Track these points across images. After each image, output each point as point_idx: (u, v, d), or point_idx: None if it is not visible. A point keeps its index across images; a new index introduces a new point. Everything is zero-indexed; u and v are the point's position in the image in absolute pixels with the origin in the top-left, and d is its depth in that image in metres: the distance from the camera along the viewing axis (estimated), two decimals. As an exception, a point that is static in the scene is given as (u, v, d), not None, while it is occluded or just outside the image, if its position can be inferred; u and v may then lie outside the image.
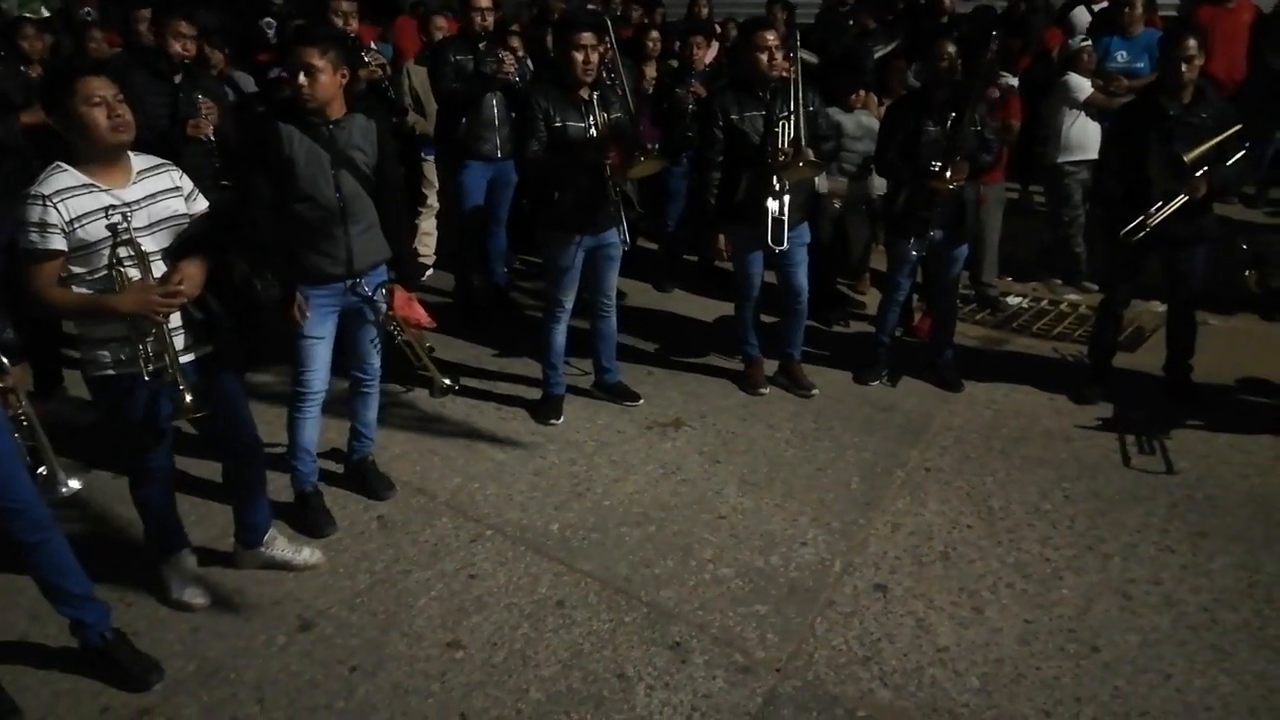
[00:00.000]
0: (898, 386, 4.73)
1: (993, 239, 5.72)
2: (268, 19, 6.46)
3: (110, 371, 2.71)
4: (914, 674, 2.82)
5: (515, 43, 5.90)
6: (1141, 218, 4.02)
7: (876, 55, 6.08)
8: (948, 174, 4.11)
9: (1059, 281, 6.05)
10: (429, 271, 6.27)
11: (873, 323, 4.89)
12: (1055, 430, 4.28)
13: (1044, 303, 5.87)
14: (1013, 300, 5.87)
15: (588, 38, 3.88)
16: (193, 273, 2.66)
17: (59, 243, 2.52)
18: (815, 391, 4.65)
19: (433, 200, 6.23)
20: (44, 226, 2.50)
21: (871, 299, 5.84)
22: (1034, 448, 4.13)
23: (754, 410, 4.54)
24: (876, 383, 4.72)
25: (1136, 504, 3.69)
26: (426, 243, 6.28)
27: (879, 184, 5.66)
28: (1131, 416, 4.36)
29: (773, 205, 4.17)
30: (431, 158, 6.08)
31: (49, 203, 2.51)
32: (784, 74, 4.23)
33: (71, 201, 2.54)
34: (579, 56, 3.88)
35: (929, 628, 3.01)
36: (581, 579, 3.27)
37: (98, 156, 2.60)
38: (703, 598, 3.18)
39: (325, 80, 3.08)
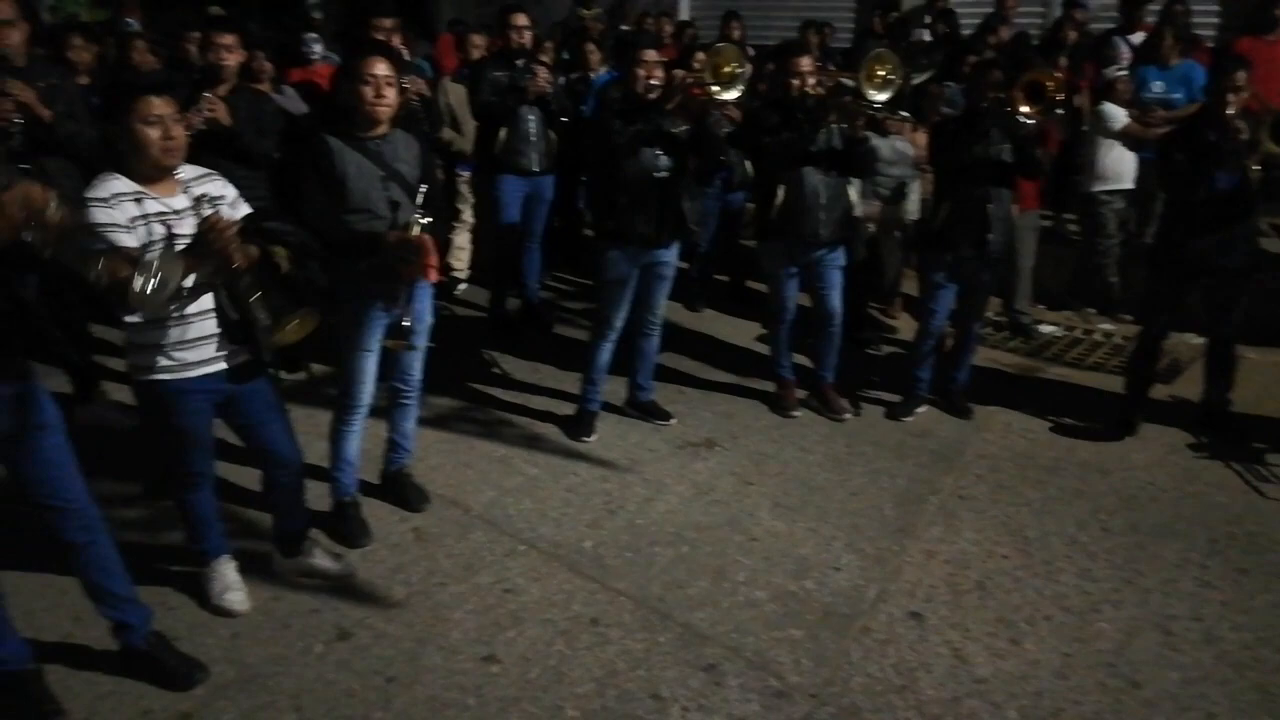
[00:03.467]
0: (930, 413, 4.70)
1: (1026, 266, 5.71)
2: (312, 34, 6.54)
3: (157, 376, 2.74)
4: (951, 705, 2.80)
5: (547, 59, 5.98)
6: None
7: (914, 82, 6.10)
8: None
9: (1093, 311, 6.03)
10: (462, 286, 6.32)
11: (905, 348, 4.88)
12: (1091, 461, 4.25)
13: (1077, 332, 5.84)
14: (1046, 329, 5.84)
15: (650, 55, 3.96)
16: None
17: (128, 239, 2.56)
18: (848, 415, 4.64)
19: (467, 215, 6.29)
20: (110, 226, 2.54)
21: (903, 324, 5.85)
22: (1070, 478, 4.10)
23: (786, 432, 4.53)
24: (909, 418, 4.68)
25: (1175, 538, 3.65)
26: (460, 257, 6.33)
27: (913, 208, 5.68)
28: (1170, 449, 4.32)
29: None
30: (467, 173, 6.14)
31: (108, 204, 2.56)
32: (817, 95, 4.25)
33: (123, 206, 2.59)
34: (641, 73, 3.94)
35: (966, 658, 2.99)
36: (615, 597, 3.28)
37: (145, 171, 2.65)
38: (736, 620, 3.17)
39: (394, 96, 3.14)
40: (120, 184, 2.61)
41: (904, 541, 3.63)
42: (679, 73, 4.04)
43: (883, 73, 3.89)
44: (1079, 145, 6.01)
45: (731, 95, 3.84)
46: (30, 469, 2.50)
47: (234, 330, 2.79)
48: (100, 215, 2.53)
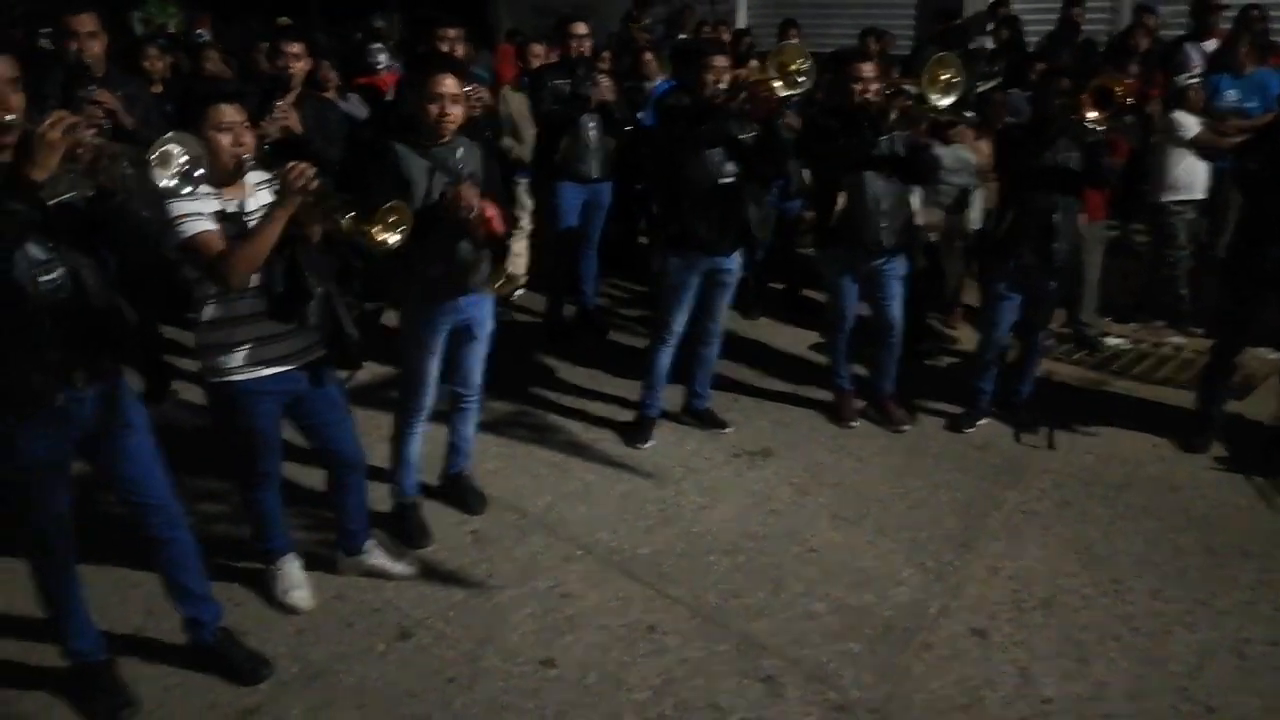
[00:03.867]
0: (991, 425, 4.62)
1: (1092, 277, 5.57)
2: (377, 44, 6.67)
3: (229, 378, 2.80)
4: (1017, 724, 2.74)
5: (606, 67, 6.02)
6: None
7: (978, 90, 6.02)
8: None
9: (1161, 324, 5.87)
10: (519, 291, 6.37)
11: (965, 359, 4.80)
12: (1161, 478, 4.14)
13: (1145, 345, 5.69)
14: (1112, 341, 5.70)
15: (719, 60, 3.95)
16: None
17: (208, 223, 2.63)
18: (907, 427, 4.57)
19: (525, 222, 6.33)
20: (191, 214, 2.61)
21: (964, 335, 5.75)
22: (1139, 495, 3.99)
23: (843, 443, 4.48)
24: (971, 430, 4.60)
25: (1250, 559, 3.53)
26: (517, 264, 6.37)
27: (975, 216, 5.60)
28: (1244, 467, 4.19)
29: None
30: (525, 181, 6.20)
31: (189, 197, 2.63)
32: (879, 101, 4.20)
33: (204, 200, 2.66)
34: (710, 78, 3.93)
35: (1032, 678, 2.93)
36: (672, 605, 3.27)
37: (217, 176, 2.70)
38: (795, 632, 3.14)
39: (459, 112, 3.20)
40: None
41: (966, 556, 3.56)
42: (743, 71, 4.01)
43: (945, 76, 3.83)
44: (1148, 154, 5.87)
45: (795, 92, 3.80)
46: (117, 467, 2.58)
47: (309, 332, 2.83)
48: (182, 204, 2.60)
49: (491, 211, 3.25)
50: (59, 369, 2.32)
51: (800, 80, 3.79)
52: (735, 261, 4.24)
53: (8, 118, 2.15)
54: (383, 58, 6.45)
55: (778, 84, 3.79)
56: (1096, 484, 4.10)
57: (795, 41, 3.87)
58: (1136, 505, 3.92)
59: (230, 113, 2.68)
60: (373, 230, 2.70)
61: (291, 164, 2.63)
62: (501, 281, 3.19)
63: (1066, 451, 4.39)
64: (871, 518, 3.83)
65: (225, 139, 2.66)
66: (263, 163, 2.76)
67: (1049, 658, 3.01)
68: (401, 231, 2.75)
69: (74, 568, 2.61)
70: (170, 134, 2.25)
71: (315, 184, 2.61)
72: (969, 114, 4.20)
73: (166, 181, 2.22)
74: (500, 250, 3.68)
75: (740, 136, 4.01)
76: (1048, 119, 4.19)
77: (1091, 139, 4.10)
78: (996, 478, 4.15)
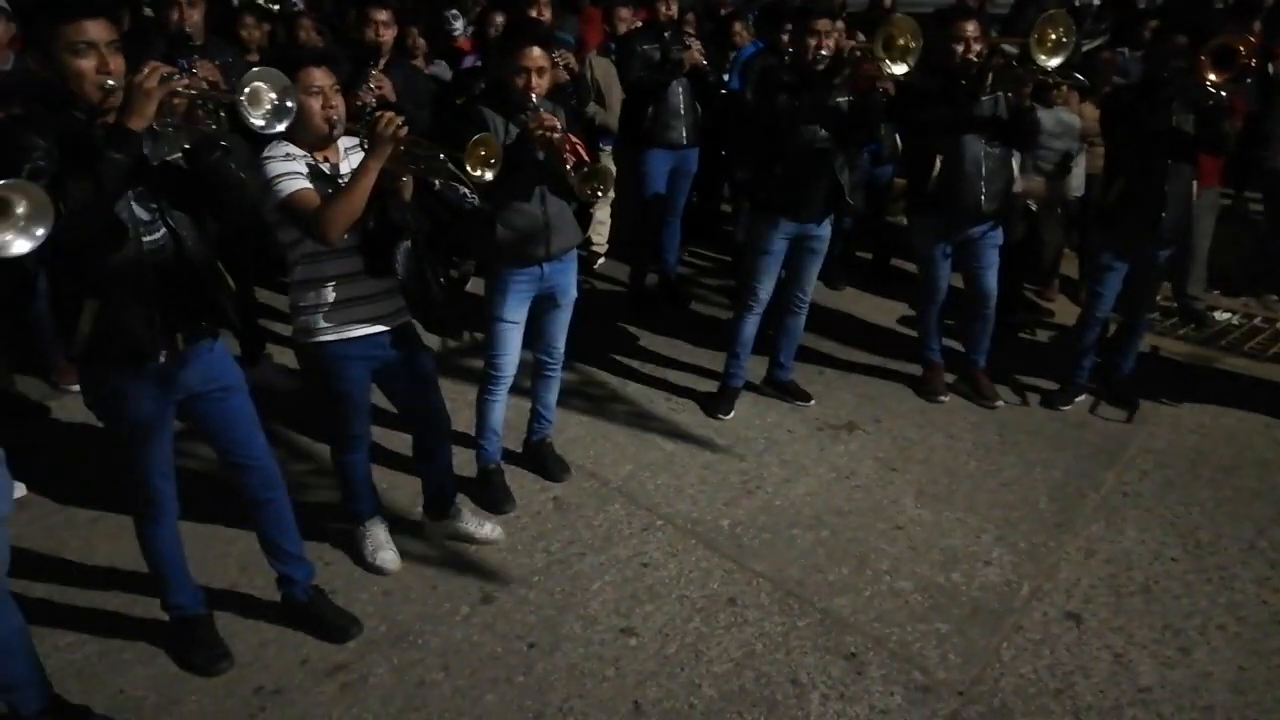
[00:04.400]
0: (1089, 402, 4.43)
1: (1202, 247, 5.28)
2: (453, 10, 6.69)
3: (320, 339, 2.86)
4: (1112, 713, 2.64)
5: (692, 30, 5.90)
6: None
7: (1083, 49, 5.72)
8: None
9: (1275, 297, 5.54)
10: (602, 260, 6.36)
11: (1061, 332, 4.61)
12: (1273, 460, 3.92)
13: (1257, 320, 5.38)
14: (1221, 316, 5.41)
15: (823, 24, 3.83)
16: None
17: (304, 181, 2.67)
18: (1000, 402, 4.42)
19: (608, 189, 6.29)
20: (288, 173, 2.67)
21: (1060, 307, 5.53)
22: (1248, 478, 3.79)
23: (932, 418, 4.36)
24: (1068, 407, 4.42)
25: (1371, 550, 3.33)
26: (600, 231, 6.36)
27: (1076, 184, 5.35)
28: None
29: None
30: (609, 148, 6.15)
31: (285, 158, 2.70)
32: (982, 62, 4.02)
33: (298, 162, 2.72)
34: (813, 42, 3.82)
35: (1129, 665, 2.81)
36: (753, 578, 3.23)
37: (310, 140, 2.75)
38: (879, 609, 3.08)
39: (546, 80, 3.20)
40: (290, 148, 2.73)
41: (1061, 537, 3.44)
42: (848, 43, 3.87)
43: (1055, 36, 3.63)
44: (1266, 117, 5.50)
45: (901, 70, 3.63)
46: (218, 428, 2.66)
47: (396, 295, 2.87)
48: (279, 165, 2.66)
49: (575, 138, 3.20)
50: (161, 328, 2.39)
51: (909, 56, 3.60)
52: (826, 229, 4.14)
53: (109, 82, 2.19)
54: (458, 24, 6.49)
55: (884, 62, 3.61)
56: (1202, 465, 3.91)
57: (906, 15, 3.64)
58: (1245, 488, 3.72)
59: (320, 76, 2.71)
60: (467, 164, 2.69)
61: (379, 113, 2.65)
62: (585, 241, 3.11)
63: (1170, 430, 4.19)
64: (961, 495, 3.73)
65: (316, 102, 2.70)
66: (359, 128, 2.78)
67: (1147, 645, 2.89)
68: (493, 166, 2.73)
69: (175, 525, 2.71)
70: (254, 70, 2.24)
71: (404, 131, 2.62)
72: (1078, 76, 3.96)
73: (259, 120, 2.22)
74: (585, 206, 3.62)
75: (837, 102, 3.89)
76: (1161, 81, 3.95)
77: (1209, 103, 3.85)
78: (1094, 457, 3.98)
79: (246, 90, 2.20)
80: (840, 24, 4.11)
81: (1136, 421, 4.26)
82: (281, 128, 2.28)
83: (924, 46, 3.57)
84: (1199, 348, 5.10)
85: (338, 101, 2.75)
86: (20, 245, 1.87)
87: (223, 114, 2.24)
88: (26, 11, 2.50)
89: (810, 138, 3.90)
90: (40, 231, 1.88)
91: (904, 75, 3.57)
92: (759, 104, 3.96)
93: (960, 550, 3.37)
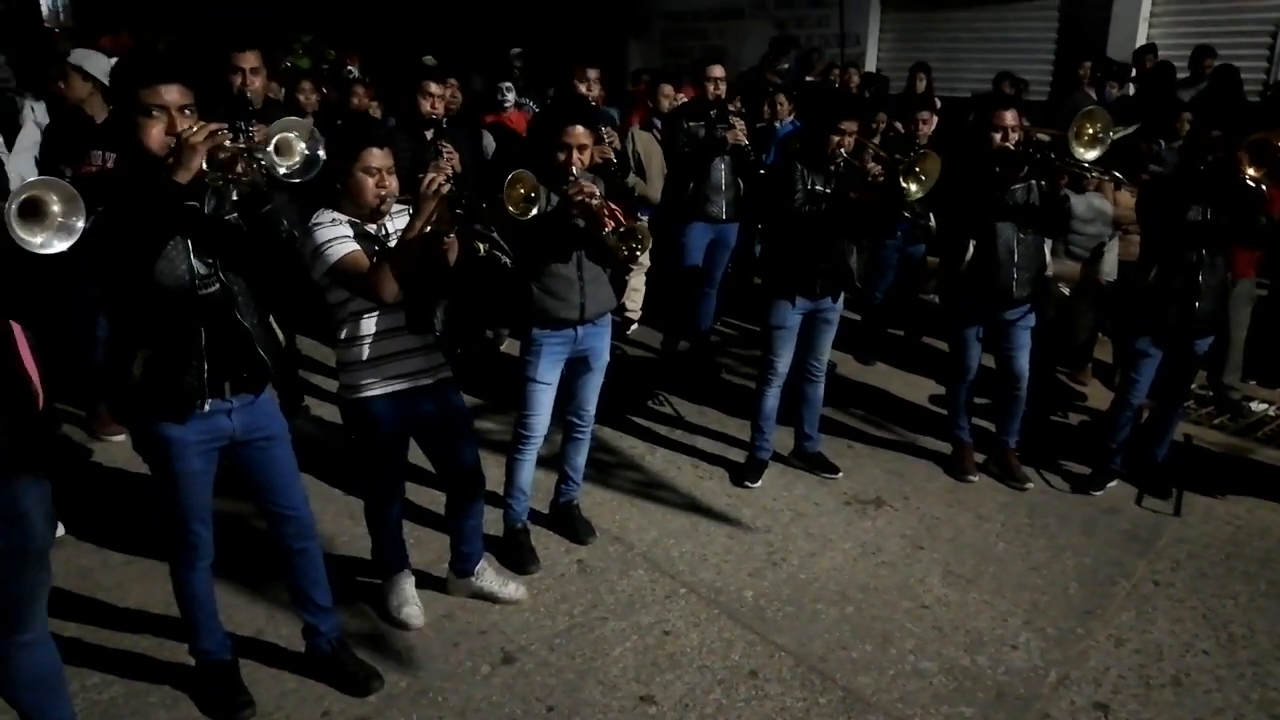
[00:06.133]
0: (1121, 488, 4.39)
1: (1238, 337, 5.26)
2: (507, 83, 6.94)
3: (367, 394, 2.93)
4: (1140, 809, 2.58)
5: (739, 109, 6.09)
6: None
7: (1114, 137, 5.78)
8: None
9: (1314, 390, 5.48)
10: (635, 326, 6.45)
11: (1094, 416, 4.58)
12: (1310, 556, 3.85)
13: (1295, 412, 5.32)
14: (1258, 406, 5.36)
15: (849, 125, 3.96)
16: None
17: (353, 244, 2.77)
18: (1030, 485, 4.39)
19: (644, 259, 6.41)
20: (337, 238, 2.77)
21: (1092, 391, 5.51)
22: (1284, 573, 3.72)
23: (961, 497, 4.34)
24: (1099, 493, 4.38)
25: None
26: (634, 298, 6.46)
27: (1109, 269, 5.37)
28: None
29: None
30: (645, 218, 6.28)
31: (332, 224, 2.81)
32: (1020, 151, 4.10)
33: (344, 226, 2.82)
34: (835, 140, 3.95)
35: (1158, 759, 2.75)
36: (775, 651, 3.21)
37: (358, 212, 2.87)
38: (902, 690, 3.04)
39: (588, 157, 3.36)
40: (335, 215, 2.85)
41: (1090, 624, 3.39)
42: (871, 148, 3.99)
43: (1092, 130, 3.72)
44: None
45: (921, 193, 3.73)
46: (259, 475, 2.72)
47: (433, 351, 2.95)
48: (327, 231, 2.78)
49: (613, 205, 3.30)
50: (209, 378, 2.48)
51: (926, 182, 3.71)
52: (839, 303, 4.23)
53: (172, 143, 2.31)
54: (510, 96, 6.72)
55: (907, 184, 3.72)
56: (1236, 557, 3.84)
57: (1101, 108, 3.75)
58: (1281, 584, 3.66)
59: (380, 157, 2.83)
60: (509, 207, 2.76)
61: (421, 174, 2.76)
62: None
63: (1204, 521, 4.13)
64: (988, 577, 3.69)
65: (370, 181, 2.82)
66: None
67: (1178, 741, 2.83)
68: (534, 200, 2.79)
69: (209, 571, 2.75)
70: (277, 123, 2.32)
71: (447, 188, 2.71)
72: (1118, 175, 4.04)
73: (289, 168, 2.30)
74: (621, 272, 3.70)
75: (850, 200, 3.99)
76: (1198, 173, 4.00)
77: (1247, 197, 3.88)
78: (1126, 544, 3.93)
79: (274, 140, 2.28)
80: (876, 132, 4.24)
81: (1159, 509, 4.20)
82: (312, 175, 2.35)
83: (938, 179, 3.69)
84: (1234, 438, 5.04)
85: (391, 182, 2.86)
86: (62, 242, 1.91)
87: (266, 172, 2.34)
88: (114, 74, 2.67)
89: (822, 227, 4.01)
90: (78, 222, 1.91)
91: (913, 196, 3.69)
92: (780, 185, 4.06)
93: (986, 633, 3.33)
